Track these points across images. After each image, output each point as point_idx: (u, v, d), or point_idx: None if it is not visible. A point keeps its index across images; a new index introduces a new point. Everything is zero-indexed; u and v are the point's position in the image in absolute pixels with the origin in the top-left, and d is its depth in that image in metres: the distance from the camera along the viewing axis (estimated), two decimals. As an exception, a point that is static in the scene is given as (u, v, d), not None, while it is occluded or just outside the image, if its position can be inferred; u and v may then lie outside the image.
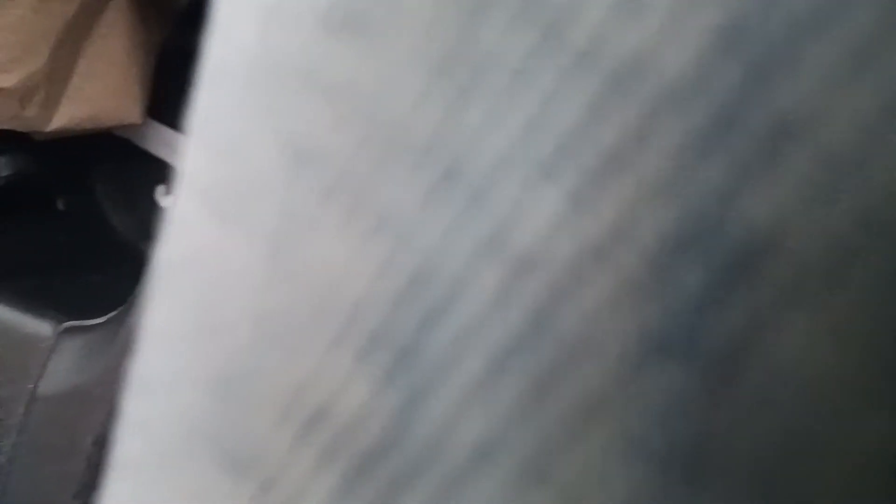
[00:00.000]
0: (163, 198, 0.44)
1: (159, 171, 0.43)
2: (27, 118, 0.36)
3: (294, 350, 0.14)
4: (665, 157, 0.11)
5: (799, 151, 0.11)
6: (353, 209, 0.13)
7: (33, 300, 0.36)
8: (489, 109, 0.12)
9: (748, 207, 0.11)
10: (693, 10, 0.11)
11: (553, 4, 0.12)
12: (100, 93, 0.38)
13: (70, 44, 0.36)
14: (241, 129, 0.14)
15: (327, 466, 0.14)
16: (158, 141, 0.43)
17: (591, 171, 0.12)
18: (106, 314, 0.36)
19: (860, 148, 0.11)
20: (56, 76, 0.36)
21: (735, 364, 0.11)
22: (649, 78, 0.11)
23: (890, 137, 0.10)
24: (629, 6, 0.11)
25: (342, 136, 0.13)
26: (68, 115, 0.37)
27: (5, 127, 0.37)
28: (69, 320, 0.35)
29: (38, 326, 0.35)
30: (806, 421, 0.11)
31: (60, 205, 0.44)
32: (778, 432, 0.11)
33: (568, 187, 0.12)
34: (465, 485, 0.13)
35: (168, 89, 0.41)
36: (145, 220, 0.44)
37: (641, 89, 0.11)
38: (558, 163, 0.12)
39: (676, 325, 0.11)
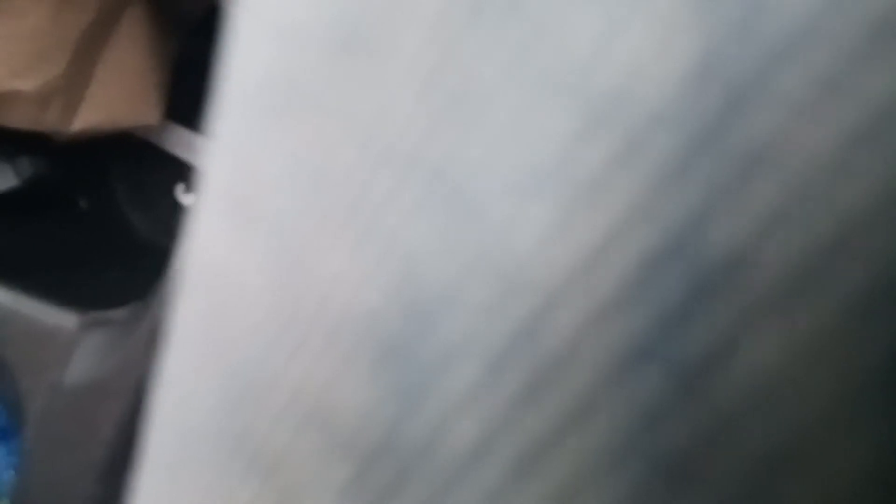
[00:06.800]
0: (183, 196, 0.45)
1: (176, 171, 0.44)
2: (48, 121, 0.37)
3: (292, 350, 0.14)
4: (646, 178, 0.12)
5: (770, 176, 0.11)
6: (350, 221, 0.14)
7: (56, 293, 0.36)
8: (479, 129, 0.12)
9: (723, 227, 0.11)
10: (674, 37, 0.11)
11: (537, 29, 0.12)
12: (118, 98, 0.39)
13: (87, 52, 0.37)
14: (255, 145, 0.14)
15: (328, 463, 0.14)
16: (176, 141, 0.44)
17: (578, 188, 0.12)
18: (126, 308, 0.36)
19: (827, 174, 0.11)
20: (74, 83, 0.37)
21: (714, 370, 0.11)
22: (632, 101, 0.11)
23: (855, 164, 0.11)
24: (612, 30, 0.12)
25: (342, 154, 0.14)
26: (87, 118, 0.38)
27: (27, 128, 0.37)
28: (92, 312, 0.36)
29: (62, 318, 0.35)
30: (785, 430, 0.11)
31: (83, 204, 0.45)
32: (759, 439, 0.11)
33: (555, 205, 0.12)
34: (458, 485, 0.13)
35: (184, 92, 0.42)
36: (163, 218, 0.45)
37: (624, 112, 0.12)
38: (545, 182, 0.12)
39: (658, 333, 0.12)
